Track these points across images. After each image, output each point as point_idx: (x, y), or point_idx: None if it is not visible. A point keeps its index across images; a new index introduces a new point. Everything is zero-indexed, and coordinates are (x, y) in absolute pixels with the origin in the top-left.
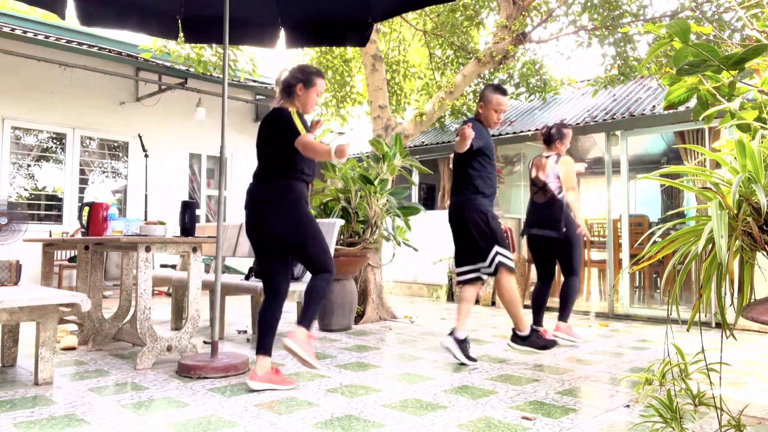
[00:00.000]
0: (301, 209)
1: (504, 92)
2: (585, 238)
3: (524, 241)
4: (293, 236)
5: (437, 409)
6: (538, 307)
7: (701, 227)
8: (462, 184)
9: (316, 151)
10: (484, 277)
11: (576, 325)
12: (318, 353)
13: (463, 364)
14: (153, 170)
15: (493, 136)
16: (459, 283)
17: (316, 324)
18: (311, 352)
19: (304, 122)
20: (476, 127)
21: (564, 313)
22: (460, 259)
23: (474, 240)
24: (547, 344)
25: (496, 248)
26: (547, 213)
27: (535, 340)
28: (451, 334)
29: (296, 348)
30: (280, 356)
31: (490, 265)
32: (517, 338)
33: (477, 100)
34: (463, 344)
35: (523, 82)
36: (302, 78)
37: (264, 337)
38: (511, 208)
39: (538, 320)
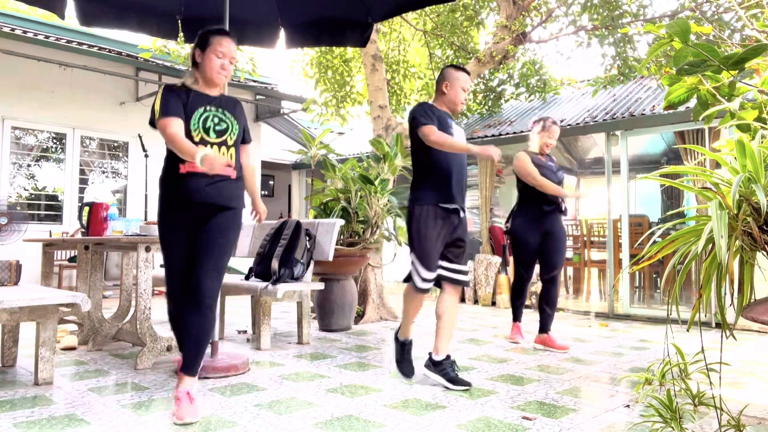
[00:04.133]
0: (161, 191)
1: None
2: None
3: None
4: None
5: (437, 409)
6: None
7: (701, 227)
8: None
9: (175, 145)
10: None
11: (576, 324)
12: (318, 353)
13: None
14: (153, 170)
15: (493, 136)
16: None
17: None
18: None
19: (174, 101)
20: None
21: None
22: None
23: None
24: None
25: (412, 255)
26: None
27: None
28: (430, 360)
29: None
30: (280, 356)
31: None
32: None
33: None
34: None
35: (523, 82)
36: (197, 42)
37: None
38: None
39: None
